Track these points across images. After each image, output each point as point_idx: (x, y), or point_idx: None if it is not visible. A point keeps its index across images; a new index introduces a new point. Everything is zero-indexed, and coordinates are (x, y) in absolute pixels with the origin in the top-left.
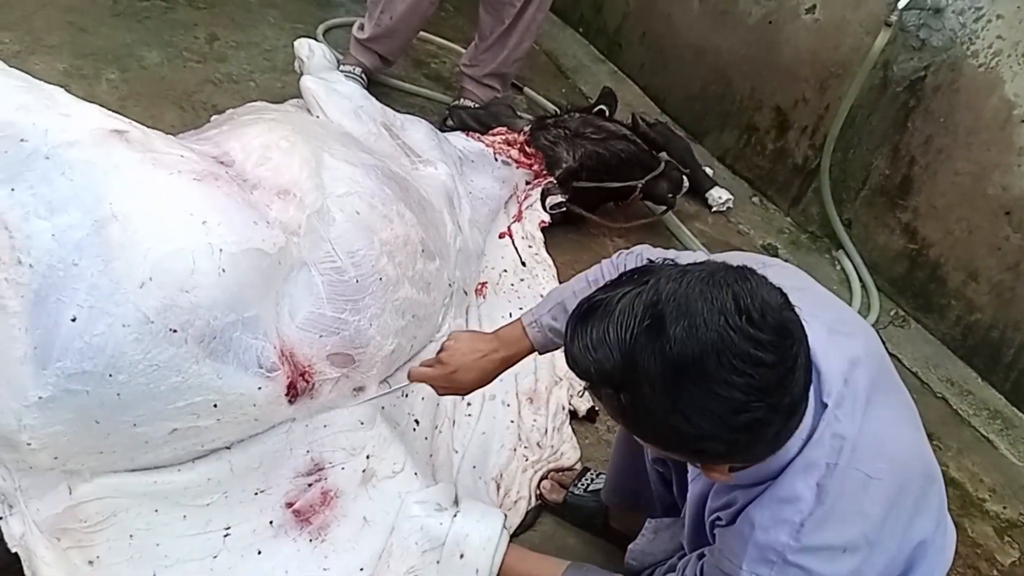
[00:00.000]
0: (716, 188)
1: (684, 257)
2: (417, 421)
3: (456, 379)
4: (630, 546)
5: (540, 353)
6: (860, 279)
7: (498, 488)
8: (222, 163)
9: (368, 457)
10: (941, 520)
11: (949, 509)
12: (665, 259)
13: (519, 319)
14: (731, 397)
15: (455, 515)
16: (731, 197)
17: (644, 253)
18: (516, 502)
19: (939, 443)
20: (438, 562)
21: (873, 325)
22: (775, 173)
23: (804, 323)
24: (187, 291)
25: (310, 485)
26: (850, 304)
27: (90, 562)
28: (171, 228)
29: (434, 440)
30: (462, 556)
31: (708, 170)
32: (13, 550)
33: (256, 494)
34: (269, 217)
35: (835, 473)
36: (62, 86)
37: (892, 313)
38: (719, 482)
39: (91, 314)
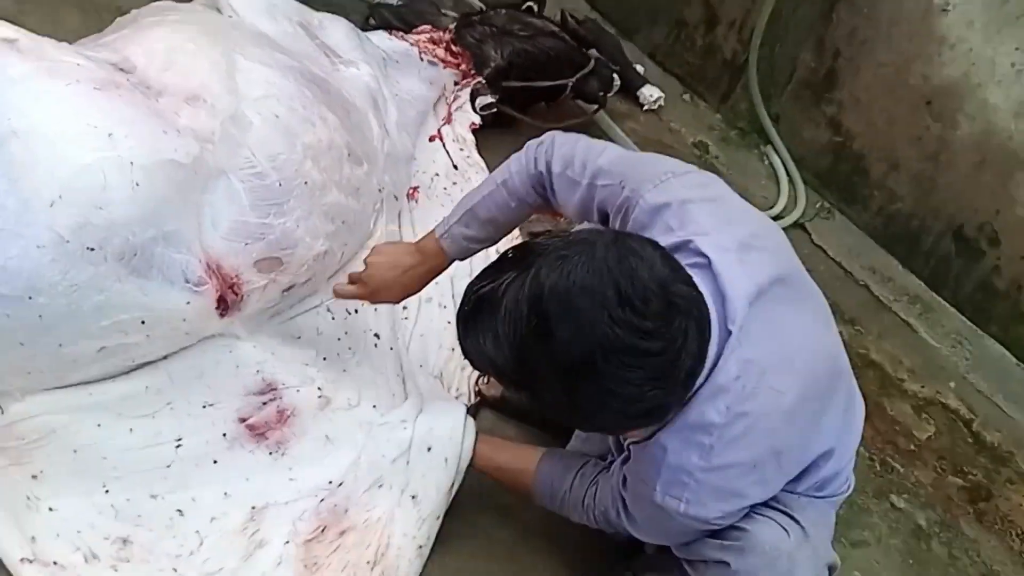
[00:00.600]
0: (647, 86)
1: (589, 150)
2: (377, 335)
3: (381, 296)
4: (566, 447)
5: (460, 260)
6: (788, 173)
7: (441, 386)
8: (122, 70)
9: (320, 389)
10: (849, 405)
11: (869, 390)
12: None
13: (433, 230)
14: (625, 392)
15: (417, 416)
16: (662, 95)
17: (554, 143)
18: (457, 399)
19: (860, 328)
20: (408, 463)
21: (799, 218)
22: (705, 69)
23: (711, 246)
24: (101, 208)
25: (264, 404)
26: (777, 199)
27: (33, 476)
28: (76, 143)
29: (400, 347)
30: (429, 449)
31: (639, 68)
32: None
33: (204, 407)
34: (179, 125)
35: (743, 394)
36: None
37: (818, 206)
38: None
39: (2, 236)
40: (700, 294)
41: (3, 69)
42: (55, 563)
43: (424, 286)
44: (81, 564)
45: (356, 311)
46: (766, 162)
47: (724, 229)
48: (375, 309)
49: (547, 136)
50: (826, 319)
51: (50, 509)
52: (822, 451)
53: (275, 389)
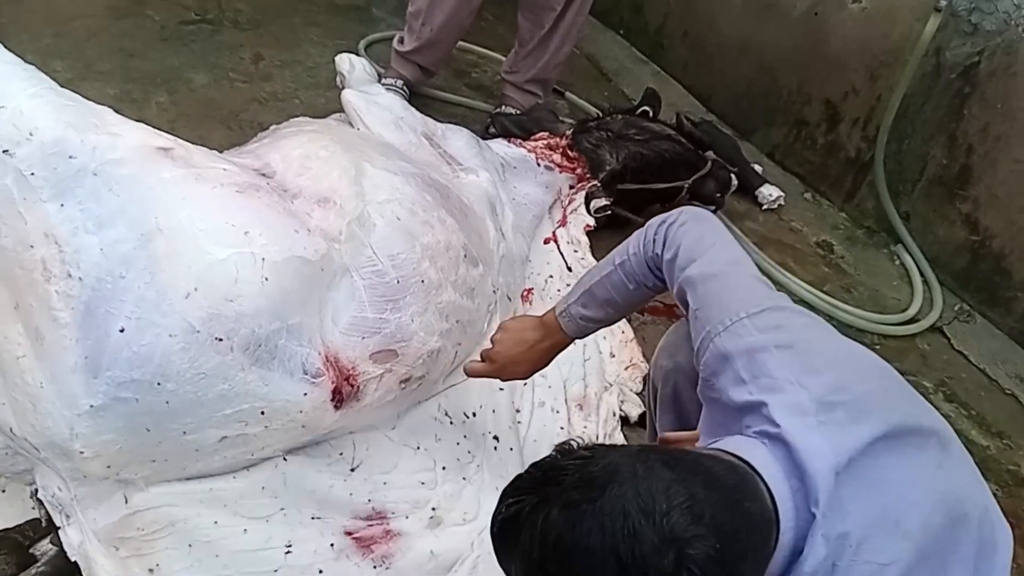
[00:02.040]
0: (766, 185)
1: (697, 246)
2: (496, 437)
3: (508, 372)
4: None
5: (580, 339)
6: (921, 274)
7: None
8: (263, 175)
9: (434, 509)
10: (981, 549)
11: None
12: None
13: (553, 308)
14: None
15: None
16: (782, 194)
17: (675, 225)
18: None
19: (1009, 442)
20: None
21: (936, 321)
22: (827, 167)
23: (784, 410)
24: (231, 300)
25: (371, 525)
26: (911, 301)
27: (150, 570)
28: (214, 239)
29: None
30: None
31: (757, 167)
32: (72, 559)
33: (313, 518)
34: (310, 225)
35: (838, 574)
36: (113, 111)
37: (956, 308)
38: None
39: (139, 324)
40: (748, 516)
41: (157, 172)
42: None
43: (550, 360)
44: None
45: (474, 414)
46: (897, 262)
47: (802, 384)
48: (492, 411)
49: (672, 214)
50: (953, 457)
51: None
52: None
53: (384, 517)
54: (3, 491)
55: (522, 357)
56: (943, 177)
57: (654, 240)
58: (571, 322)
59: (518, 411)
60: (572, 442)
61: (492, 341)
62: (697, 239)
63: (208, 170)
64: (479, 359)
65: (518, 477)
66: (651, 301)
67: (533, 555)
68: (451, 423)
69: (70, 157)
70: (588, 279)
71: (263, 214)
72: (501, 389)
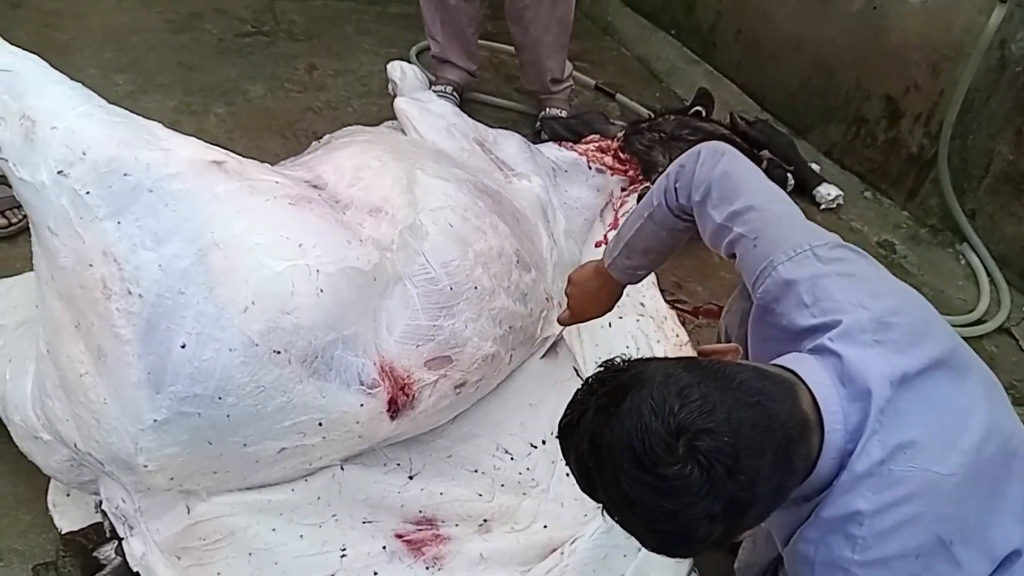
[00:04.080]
0: (824, 184)
1: (727, 182)
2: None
3: (588, 316)
4: (736, 564)
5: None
6: (988, 273)
7: None
8: (315, 186)
9: (485, 520)
10: None
11: None
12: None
13: (602, 259)
14: (677, 528)
15: (640, 549)
16: (841, 193)
17: (696, 167)
18: None
19: None
20: None
21: (1004, 322)
22: (888, 165)
23: (844, 326)
24: (288, 313)
25: (420, 529)
26: (978, 301)
27: None
28: (269, 252)
29: None
30: None
31: (815, 166)
32: (135, 569)
33: (364, 523)
34: (362, 235)
35: (891, 479)
36: (173, 122)
37: None
38: None
39: (199, 340)
40: (771, 415)
41: (211, 187)
42: None
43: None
44: None
45: (544, 442)
46: (962, 261)
47: (861, 306)
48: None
49: (687, 156)
50: (999, 397)
51: None
52: (1010, 549)
53: (433, 524)
54: (68, 495)
55: (592, 303)
56: (1010, 173)
57: (676, 188)
58: (619, 272)
59: None
60: (617, 358)
61: (566, 294)
62: (724, 175)
63: (261, 183)
64: (565, 310)
65: (575, 392)
66: (707, 304)
67: (577, 454)
68: (511, 459)
69: (124, 175)
70: (625, 231)
71: (316, 226)
72: None
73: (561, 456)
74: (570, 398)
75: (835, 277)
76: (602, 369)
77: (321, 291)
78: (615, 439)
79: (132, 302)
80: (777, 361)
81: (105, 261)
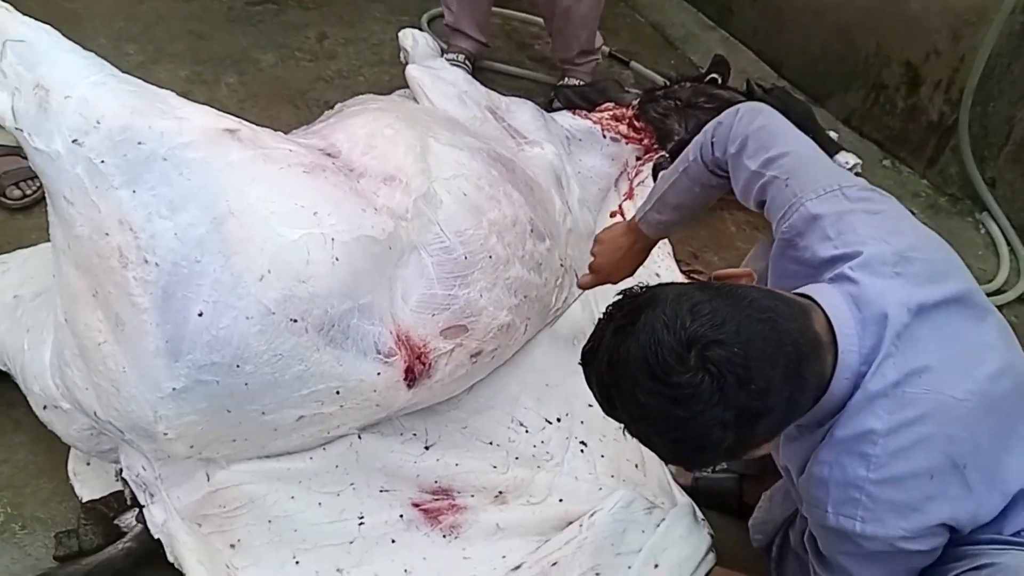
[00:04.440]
0: (842, 153)
1: (763, 134)
2: (584, 443)
3: (616, 277)
4: (750, 521)
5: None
6: (1008, 242)
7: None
8: (329, 155)
9: (501, 492)
10: None
11: None
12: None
13: (633, 217)
14: (692, 437)
15: (659, 524)
16: (859, 161)
17: (735, 121)
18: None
19: None
20: (629, 567)
21: None
22: (908, 133)
23: (864, 256)
24: (304, 281)
25: (436, 499)
26: (997, 271)
27: (231, 545)
28: (285, 221)
29: (617, 455)
30: (656, 566)
31: (833, 134)
32: (156, 536)
33: (381, 491)
34: (376, 204)
35: (905, 399)
36: (185, 92)
37: None
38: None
39: (216, 308)
40: (782, 331)
41: (225, 155)
42: None
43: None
44: None
45: (558, 419)
46: (982, 230)
47: (883, 240)
48: (581, 422)
49: (725, 114)
50: (1015, 343)
51: None
52: (1022, 486)
53: (449, 495)
54: (88, 464)
55: (622, 261)
56: None
57: (712, 143)
58: (649, 227)
59: (591, 406)
60: (636, 286)
61: (592, 253)
62: (761, 128)
63: (275, 151)
64: (588, 272)
65: (599, 320)
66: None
67: (598, 376)
68: (526, 431)
69: (139, 143)
70: (660, 186)
71: (330, 194)
72: (591, 405)
73: (574, 435)
74: (584, 386)
75: (861, 214)
76: (619, 296)
77: (336, 259)
78: (631, 355)
79: (149, 271)
80: (796, 289)
81: (121, 230)
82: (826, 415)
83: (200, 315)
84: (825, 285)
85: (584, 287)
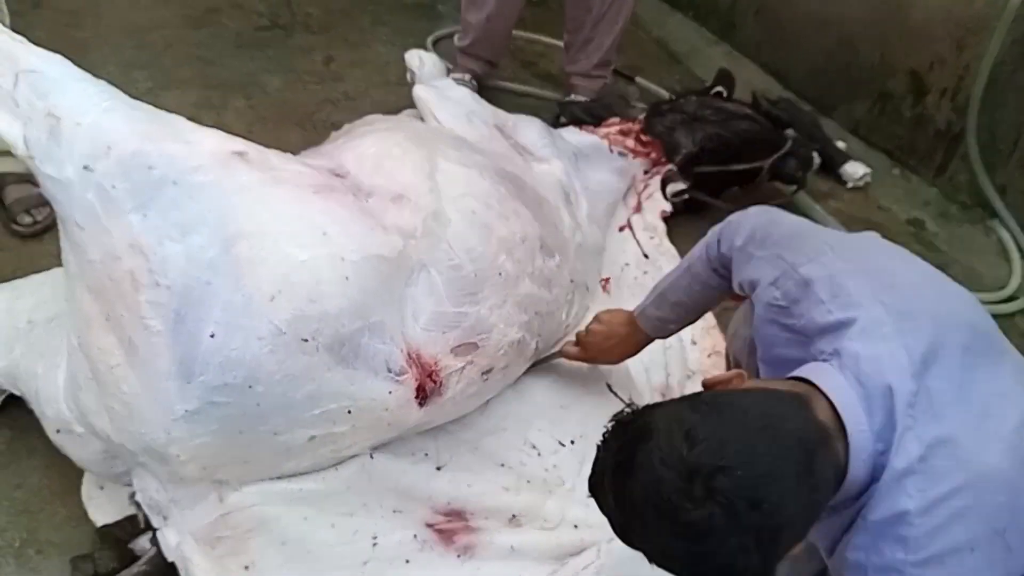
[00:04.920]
0: (850, 163)
1: (765, 222)
2: None
3: (600, 360)
4: None
5: (662, 338)
6: (1019, 249)
7: None
8: (337, 175)
9: (514, 516)
10: None
11: None
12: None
13: (635, 309)
14: (714, 568)
15: None
16: (868, 171)
17: (743, 218)
18: None
19: None
20: None
21: None
22: (915, 141)
23: (862, 323)
24: (315, 301)
25: (449, 520)
26: (1009, 277)
27: (245, 567)
28: (295, 241)
29: None
30: None
31: (840, 144)
32: (170, 560)
33: (394, 512)
34: (386, 223)
35: (936, 474)
36: (193, 117)
37: None
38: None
39: (227, 329)
40: (781, 436)
41: (234, 177)
42: None
43: (639, 351)
44: None
45: (572, 442)
46: (994, 237)
47: (879, 299)
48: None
49: (736, 215)
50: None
51: None
52: None
53: (463, 517)
54: (102, 488)
55: (613, 347)
56: None
57: (718, 241)
58: (648, 323)
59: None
60: (624, 409)
61: (587, 330)
62: (769, 221)
63: (283, 172)
64: (574, 341)
65: (596, 449)
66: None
67: (608, 511)
68: (538, 454)
69: (149, 168)
70: (663, 282)
71: (340, 214)
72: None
73: (588, 457)
74: (600, 408)
75: (853, 273)
76: (612, 424)
77: (347, 279)
78: (635, 496)
79: (160, 294)
80: (790, 374)
81: (132, 254)
82: (851, 497)
83: (212, 336)
84: (822, 365)
85: (567, 356)
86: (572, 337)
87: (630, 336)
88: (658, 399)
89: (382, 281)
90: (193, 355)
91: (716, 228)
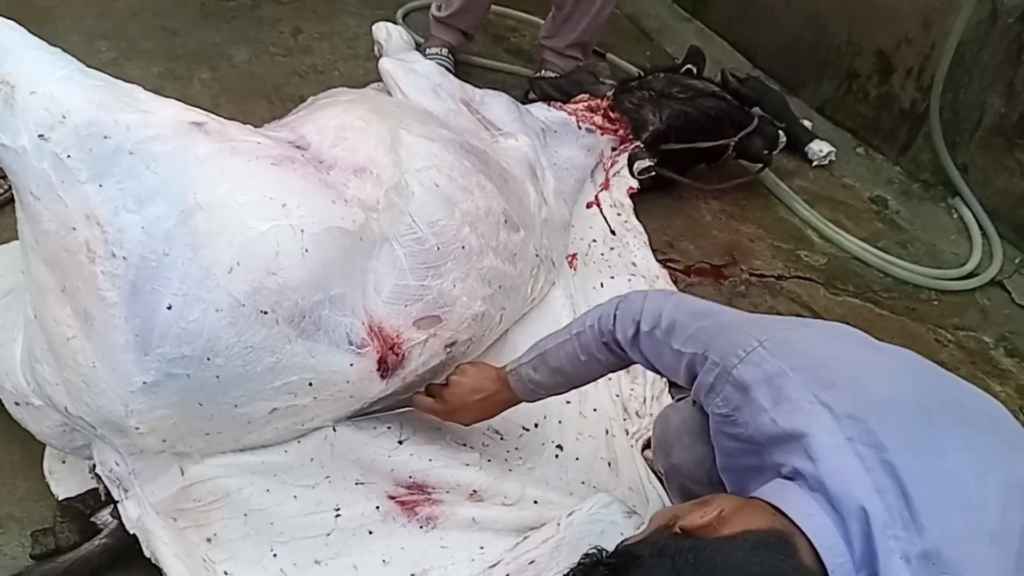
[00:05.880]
0: (816, 141)
1: (677, 309)
2: (560, 447)
3: (455, 417)
4: None
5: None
6: (980, 227)
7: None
8: (298, 147)
9: (475, 491)
10: None
11: None
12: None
13: (505, 366)
14: None
15: (638, 528)
16: (833, 149)
17: (645, 300)
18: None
19: None
20: None
21: (997, 275)
22: (880, 120)
23: (811, 440)
24: (274, 273)
25: (411, 492)
26: (970, 255)
27: (208, 539)
28: (253, 213)
29: (593, 455)
30: None
31: (807, 123)
32: (131, 531)
33: (357, 484)
34: (347, 196)
35: None
36: (158, 88)
37: (1016, 261)
38: None
39: (185, 301)
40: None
41: (193, 148)
42: None
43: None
44: None
45: (536, 425)
46: (955, 215)
47: (822, 402)
48: (559, 421)
49: (636, 293)
50: (1006, 436)
51: (225, 572)
52: None
53: (424, 490)
54: (63, 462)
55: (474, 406)
56: (1002, 126)
57: (614, 316)
58: (520, 383)
59: (568, 402)
60: (597, 551)
61: (448, 380)
62: (675, 304)
63: (243, 144)
64: (427, 393)
65: None
66: (698, 263)
67: None
68: (501, 438)
69: (105, 137)
70: (544, 343)
71: (299, 186)
72: (568, 402)
73: (550, 440)
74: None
75: (789, 374)
76: (581, 570)
77: (306, 251)
78: None
79: (116, 265)
80: (761, 495)
81: (88, 224)
82: None
83: (169, 308)
84: (791, 487)
85: (418, 408)
86: (440, 379)
87: (497, 395)
88: (623, 374)
89: (343, 254)
90: (150, 327)
91: (613, 301)
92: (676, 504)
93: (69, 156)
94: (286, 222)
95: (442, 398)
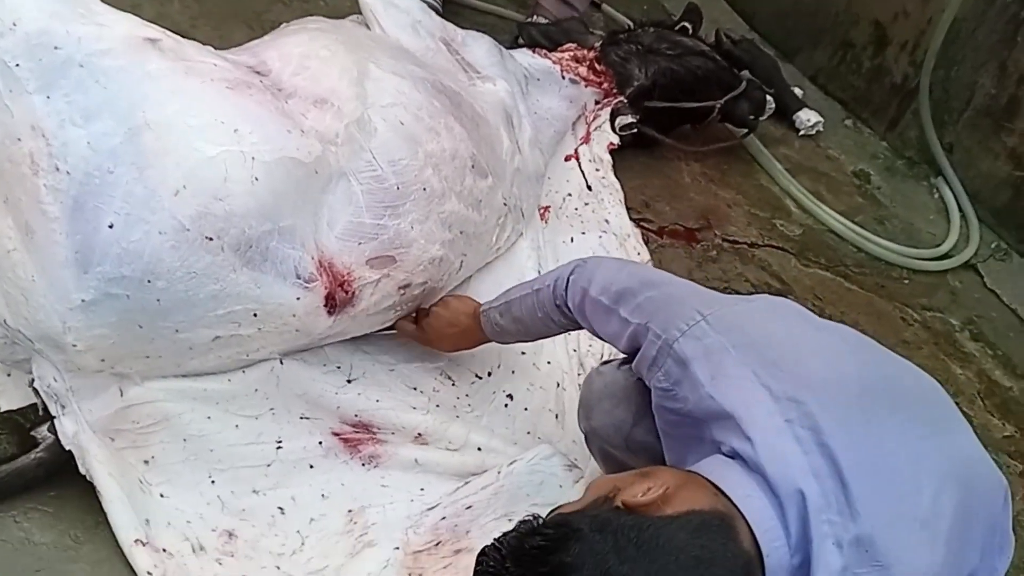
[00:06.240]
0: (805, 110)
1: (629, 278)
2: (511, 396)
3: (434, 345)
4: None
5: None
6: (960, 208)
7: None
8: (258, 72)
9: (420, 435)
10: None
11: None
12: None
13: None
14: None
15: (576, 482)
16: (821, 120)
17: (599, 265)
18: None
19: None
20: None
21: (971, 258)
22: (871, 93)
23: (747, 419)
24: (221, 199)
25: (356, 431)
26: (947, 236)
27: (145, 461)
28: (203, 136)
29: (541, 407)
30: None
31: (797, 90)
32: (67, 448)
33: (301, 418)
34: (304, 126)
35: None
36: (134, 6)
37: (993, 245)
38: None
39: (128, 221)
40: (716, 571)
41: (144, 64)
42: (164, 550)
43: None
44: (189, 554)
45: (489, 373)
46: (936, 195)
47: (762, 383)
48: (512, 371)
49: (593, 259)
50: (940, 419)
51: (161, 495)
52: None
53: (369, 430)
54: (9, 375)
55: (450, 335)
56: (990, 108)
57: (568, 279)
58: (488, 324)
59: (523, 353)
60: (533, 520)
61: (430, 311)
62: (628, 275)
63: (198, 64)
64: (413, 317)
65: (483, 555)
66: (672, 224)
67: None
68: (453, 384)
69: (55, 48)
70: (514, 291)
71: (254, 112)
72: (523, 353)
73: (501, 389)
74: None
75: (730, 350)
76: (513, 541)
77: (256, 179)
78: None
79: (60, 179)
80: (700, 469)
81: (33, 136)
82: None
83: (111, 227)
84: (731, 465)
85: (401, 332)
86: (428, 304)
87: (470, 330)
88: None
89: (295, 185)
90: (91, 244)
91: (571, 263)
92: (603, 469)
93: (18, 65)
94: (237, 148)
95: (421, 326)
